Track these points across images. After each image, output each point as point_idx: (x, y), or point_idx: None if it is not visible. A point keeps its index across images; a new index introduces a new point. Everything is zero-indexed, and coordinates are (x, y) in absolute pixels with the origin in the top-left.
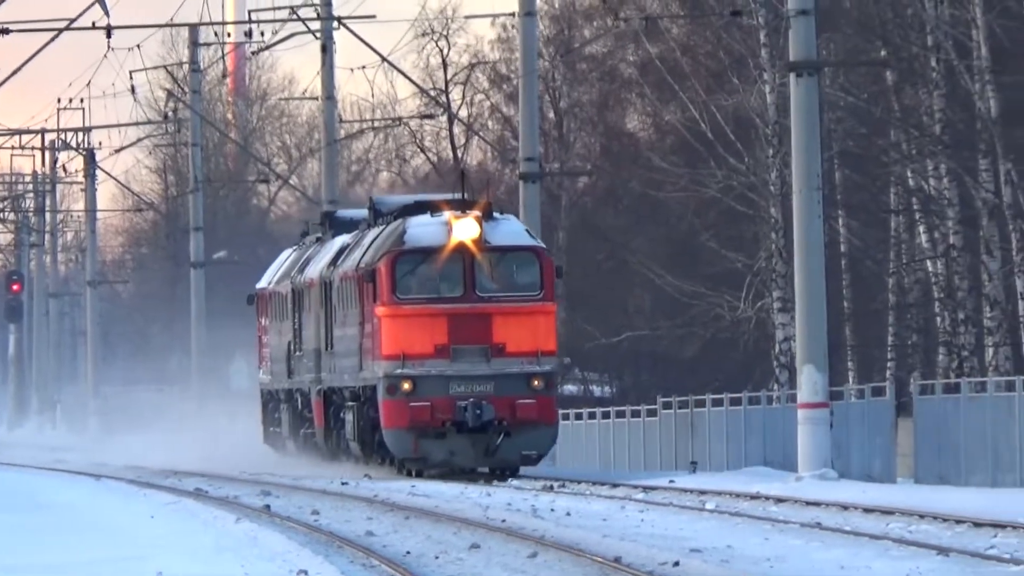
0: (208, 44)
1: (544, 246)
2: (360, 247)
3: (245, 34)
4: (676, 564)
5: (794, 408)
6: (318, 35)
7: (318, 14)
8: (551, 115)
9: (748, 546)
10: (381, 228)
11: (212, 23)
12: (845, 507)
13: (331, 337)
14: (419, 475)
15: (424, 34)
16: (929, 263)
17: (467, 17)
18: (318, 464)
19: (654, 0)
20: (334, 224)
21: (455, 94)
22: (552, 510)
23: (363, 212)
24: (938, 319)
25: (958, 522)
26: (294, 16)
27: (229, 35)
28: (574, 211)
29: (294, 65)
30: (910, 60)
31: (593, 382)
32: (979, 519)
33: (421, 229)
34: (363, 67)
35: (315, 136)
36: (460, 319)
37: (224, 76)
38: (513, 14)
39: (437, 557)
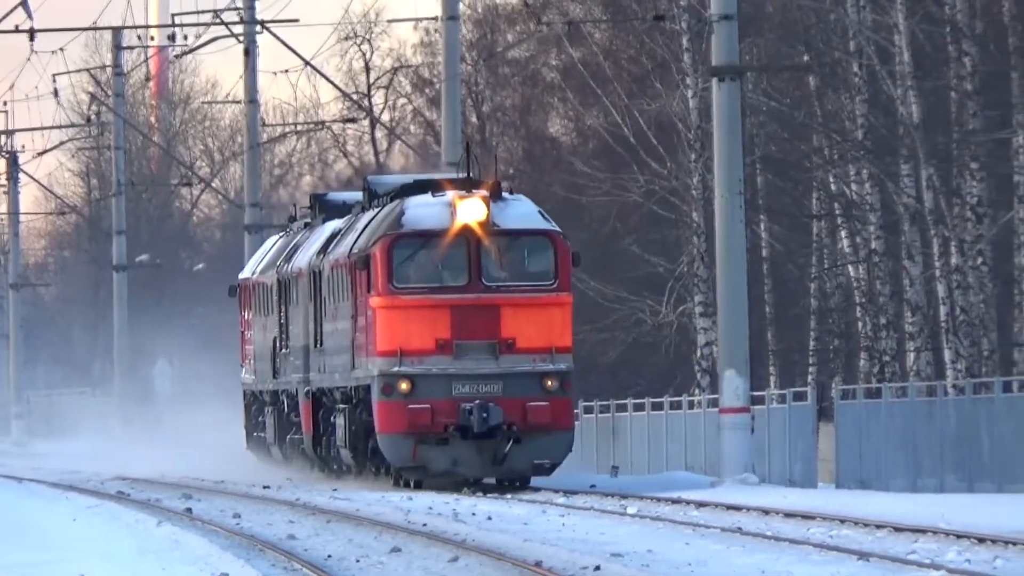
0: (131, 48)
1: (559, 230)
2: (353, 232)
3: (168, 38)
4: (597, 568)
5: (716, 413)
6: (241, 39)
7: (241, 18)
8: (474, 119)
9: (669, 551)
10: (376, 210)
11: (135, 27)
12: (766, 512)
13: (321, 332)
14: (418, 486)
15: (347, 38)
16: (851, 268)
17: (390, 21)
18: (305, 473)
19: (577, 4)
20: (324, 208)
21: (377, 98)
22: (473, 514)
23: (357, 195)
24: (860, 324)
25: (879, 527)
26: (217, 20)
27: (152, 39)
28: None
29: (217, 69)
30: (832, 65)
31: None
32: (900, 524)
33: (421, 210)
34: (286, 71)
35: (238, 140)
36: (464, 311)
37: (147, 79)
38: (436, 18)
39: (358, 561)
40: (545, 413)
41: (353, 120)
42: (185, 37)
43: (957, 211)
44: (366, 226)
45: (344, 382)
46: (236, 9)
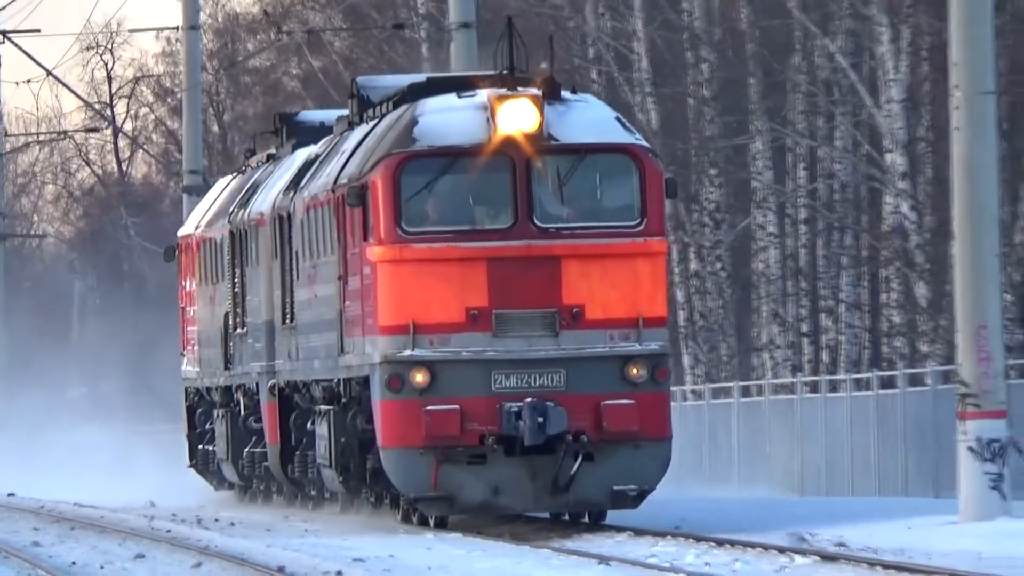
0: None
1: (647, 145)
2: (338, 155)
3: None
4: (339, 573)
5: None
6: None
7: None
8: (215, 128)
9: (410, 556)
10: (374, 122)
11: None
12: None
13: (291, 302)
14: (440, 525)
15: (89, 48)
16: None
17: (132, 31)
18: (269, 505)
19: (317, 13)
20: (294, 131)
21: (120, 107)
22: (217, 520)
23: (340, 113)
24: None
25: (619, 531)
26: None
27: None
28: None
29: None
30: (571, 72)
31: None
32: (640, 528)
33: (443, 117)
34: (28, 81)
35: None
36: (509, 266)
37: None
38: (177, 28)
39: (102, 567)
40: (629, 416)
41: (96, 130)
42: None
43: (696, 217)
44: (359, 144)
45: (328, 373)
46: None
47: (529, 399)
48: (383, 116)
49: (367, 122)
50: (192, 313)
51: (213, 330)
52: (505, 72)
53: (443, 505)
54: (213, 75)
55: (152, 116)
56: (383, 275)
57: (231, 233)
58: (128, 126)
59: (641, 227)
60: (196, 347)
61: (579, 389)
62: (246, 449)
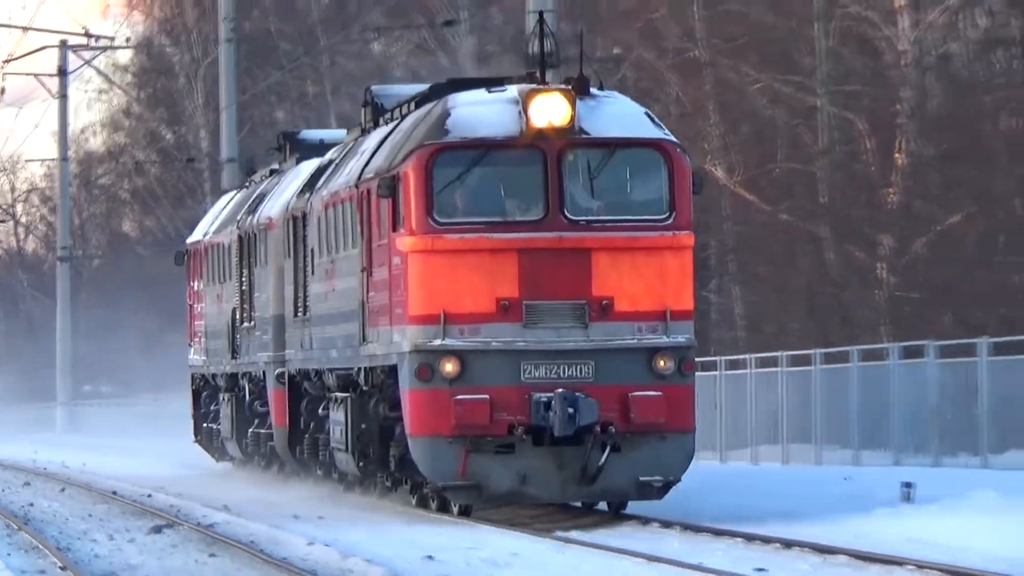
0: None
1: (676, 140)
2: (357, 156)
3: None
4: (149, 496)
5: None
6: None
7: None
8: (77, 221)
9: (200, 484)
10: (396, 122)
11: None
12: None
13: (305, 296)
14: (464, 513)
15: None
16: None
17: (27, 160)
18: (276, 482)
19: (140, 151)
20: (297, 147)
21: (19, 208)
22: (75, 462)
23: (339, 133)
24: None
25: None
26: None
27: None
28: (90, 283)
29: None
30: None
31: None
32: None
33: (475, 110)
34: None
35: None
36: (539, 257)
37: None
38: (54, 159)
39: (3, 490)
40: (657, 407)
41: (3, 222)
42: None
43: None
44: (382, 142)
45: (347, 362)
46: None
47: (559, 390)
48: (404, 116)
49: (385, 124)
50: (199, 309)
51: (220, 324)
52: (533, 72)
53: (471, 493)
54: (77, 189)
55: (39, 213)
56: (414, 265)
57: (239, 237)
58: (24, 219)
59: (670, 221)
60: (203, 339)
61: (607, 380)
62: (250, 430)
